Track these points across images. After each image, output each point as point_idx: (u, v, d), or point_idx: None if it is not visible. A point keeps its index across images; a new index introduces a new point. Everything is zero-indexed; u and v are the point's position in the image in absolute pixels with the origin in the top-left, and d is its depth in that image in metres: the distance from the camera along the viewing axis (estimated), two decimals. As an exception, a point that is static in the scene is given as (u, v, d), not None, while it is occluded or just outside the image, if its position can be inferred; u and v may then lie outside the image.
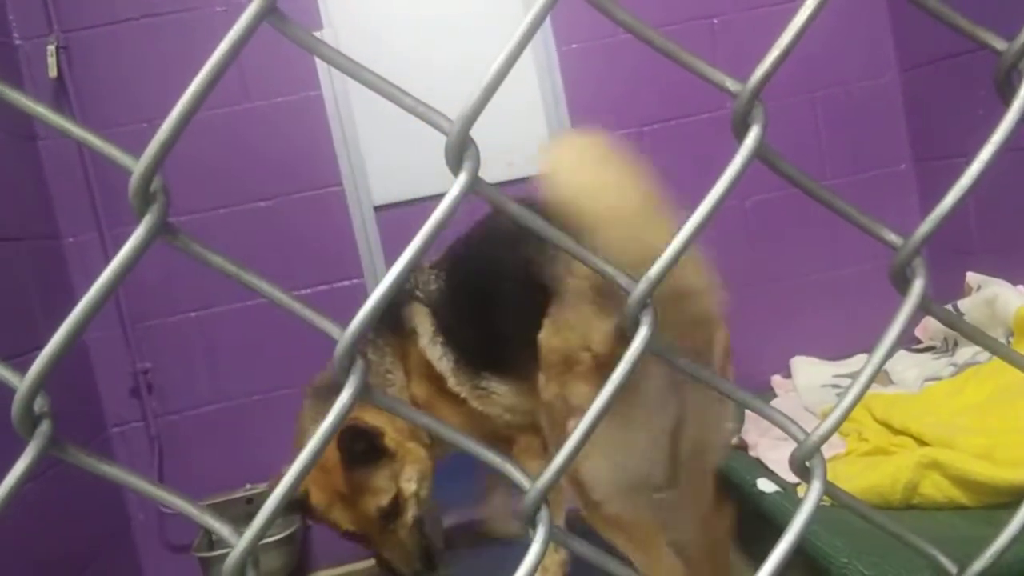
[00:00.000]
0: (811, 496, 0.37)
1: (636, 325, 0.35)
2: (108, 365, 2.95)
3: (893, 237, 0.38)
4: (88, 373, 2.92)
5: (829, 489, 0.37)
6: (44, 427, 0.33)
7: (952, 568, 0.42)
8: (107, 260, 0.37)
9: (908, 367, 2.74)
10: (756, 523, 2.35)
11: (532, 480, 0.37)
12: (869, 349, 1.71)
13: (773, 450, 2.37)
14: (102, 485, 2.88)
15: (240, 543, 0.35)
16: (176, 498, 0.37)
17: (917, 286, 0.37)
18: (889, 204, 3.14)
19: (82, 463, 0.35)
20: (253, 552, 0.35)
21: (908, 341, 3.00)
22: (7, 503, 0.35)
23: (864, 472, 2.06)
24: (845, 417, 0.37)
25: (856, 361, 2.93)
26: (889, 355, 0.36)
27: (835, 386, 2.68)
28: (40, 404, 0.34)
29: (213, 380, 3.01)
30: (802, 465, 0.38)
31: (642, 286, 0.34)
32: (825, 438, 0.37)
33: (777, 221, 3.18)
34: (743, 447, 2.56)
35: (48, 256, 2.81)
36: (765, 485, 2.22)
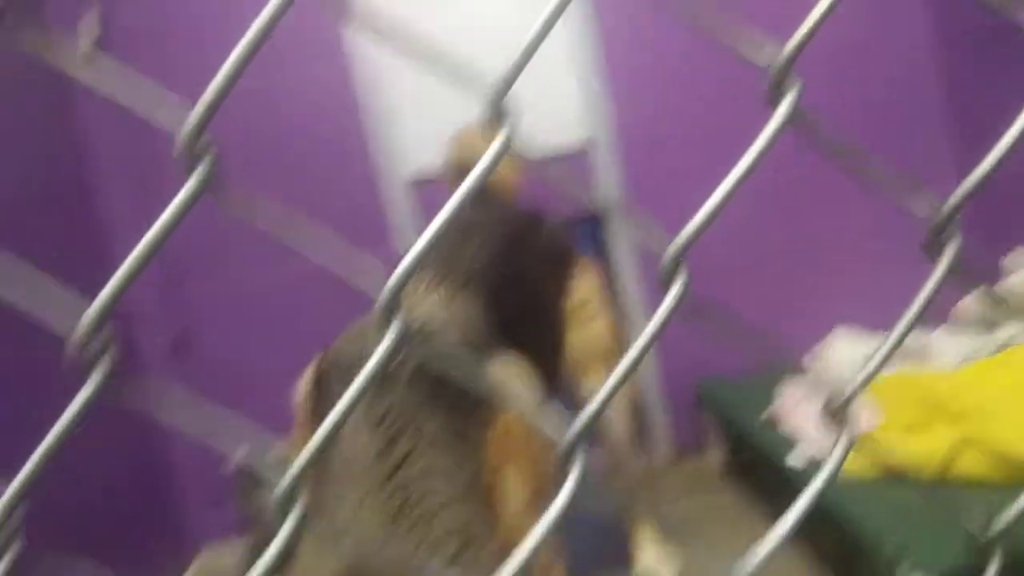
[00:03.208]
0: (840, 447, 0.38)
1: (668, 284, 0.36)
2: (148, 323, 3.01)
3: (926, 204, 0.38)
4: (128, 330, 2.98)
5: (858, 442, 0.38)
6: (107, 358, 0.35)
7: (983, 527, 0.43)
8: (145, 223, 0.38)
9: (948, 344, 2.71)
10: (785, 498, 2.36)
11: (567, 426, 0.38)
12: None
13: (803, 425, 2.37)
14: (143, 431, 2.96)
15: (290, 470, 0.37)
16: (223, 429, 0.39)
17: (950, 251, 0.38)
18: (926, 182, 3.09)
19: (141, 398, 0.37)
20: (302, 479, 0.37)
21: (947, 320, 2.97)
22: (70, 433, 0.37)
23: (900, 445, 2.05)
24: (878, 371, 0.37)
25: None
26: (919, 316, 0.37)
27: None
28: (103, 336, 0.35)
29: (251, 345, 3.07)
30: (832, 419, 0.38)
31: (677, 243, 0.35)
32: (857, 391, 0.37)
33: (818, 192, 3.15)
34: (773, 422, 2.56)
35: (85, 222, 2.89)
36: (795, 460, 2.22)
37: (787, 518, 0.39)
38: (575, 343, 2.10)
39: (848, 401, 0.37)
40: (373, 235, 3.06)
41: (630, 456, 2.39)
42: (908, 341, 2.75)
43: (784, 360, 0.39)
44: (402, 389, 1.25)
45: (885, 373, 2.51)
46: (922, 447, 2.01)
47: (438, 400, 1.25)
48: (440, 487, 1.17)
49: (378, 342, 0.39)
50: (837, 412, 0.38)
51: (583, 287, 2.19)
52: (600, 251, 3.33)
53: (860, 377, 0.37)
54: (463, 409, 1.28)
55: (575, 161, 3.16)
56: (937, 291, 0.37)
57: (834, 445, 0.38)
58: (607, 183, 3.15)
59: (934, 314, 2.55)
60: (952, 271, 0.38)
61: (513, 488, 1.34)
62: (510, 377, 1.52)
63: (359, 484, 1.17)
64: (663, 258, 0.36)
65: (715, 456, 3.17)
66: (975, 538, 0.44)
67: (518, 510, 1.33)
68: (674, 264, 0.36)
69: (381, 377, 1.22)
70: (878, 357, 0.37)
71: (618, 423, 2.31)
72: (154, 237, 0.37)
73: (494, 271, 1.69)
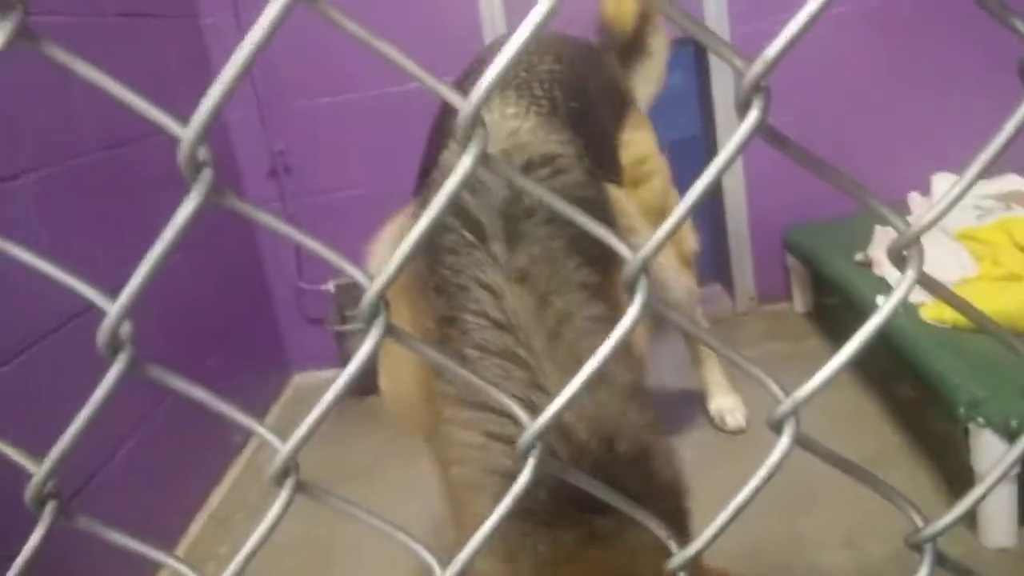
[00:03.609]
0: (903, 284, 0.38)
1: (747, 107, 0.36)
2: (247, 146, 3.09)
3: (1029, 26, 0.36)
4: (229, 152, 3.08)
5: (924, 280, 0.38)
6: (206, 174, 0.38)
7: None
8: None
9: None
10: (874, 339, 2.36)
11: (634, 252, 0.39)
12: (1020, 169, 1.58)
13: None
14: (246, 260, 3.11)
15: (375, 283, 0.39)
16: (317, 244, 0.41)
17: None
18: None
19: (239, 209, 0.40)
20: (386, 292, 0.39)
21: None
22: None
23: (993, 295, 2.00)
24: (952, 207, 0.37)
25: (1004, 182, 2.71)
26: (1005, 149, 0.35)
27: (976, 207, 2.54)
28: (203, 153, 0.37)
29: (345, 167, 3.13)
30: (899, 255, 0.38)
31: (755, 68, 0.34)
32: (926, 228, 0.37)
33: (920, 21, 2.93)
34: (867, 264, 2.52)
35: (188, 35, 2.92)
36: (883, 301, 2.19)
37: (844, 351, 0.40)
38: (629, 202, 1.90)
39: (917, 234, 0.37)
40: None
41: (693, 311, 2.34)
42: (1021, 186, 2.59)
43: (878, 206, 0.37)
44: (539, 240, 1.20)
45: (993, 218, 2.41)
46: (1015, 298, 1.95)
47: (575, 249, 1.20)
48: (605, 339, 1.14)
49: (460, 159, 0.39)
50: (906, 246, 0.38)
51: (640, 142, 1.99)
52: (699, 80, 3.20)
53: (931, 215, 0.37)
54: (595, 254, 1.22)
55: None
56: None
57: (897, 284, 0.38)
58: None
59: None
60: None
61: (640, 332, 1.32)
62: (623, 211, 1.47)
63: (528, 341, 1.11)
64: (744, 81, 0.35)
65: (800, 302, 3.15)
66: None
67: (642, 353, 1.32)
68: (753, 87, 0.35)
69: (512, 230, 1.19)
70: (956, 190, 0.36)
71: (675, 284, 2.20)
72: (253, 44, 0.37)
73: (572, 97, 1.58)
